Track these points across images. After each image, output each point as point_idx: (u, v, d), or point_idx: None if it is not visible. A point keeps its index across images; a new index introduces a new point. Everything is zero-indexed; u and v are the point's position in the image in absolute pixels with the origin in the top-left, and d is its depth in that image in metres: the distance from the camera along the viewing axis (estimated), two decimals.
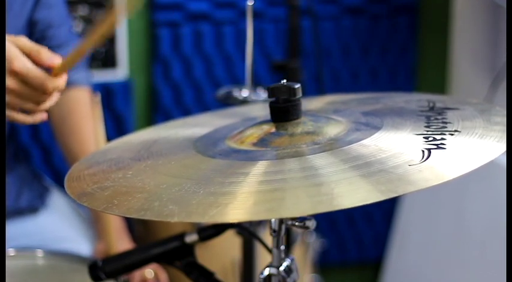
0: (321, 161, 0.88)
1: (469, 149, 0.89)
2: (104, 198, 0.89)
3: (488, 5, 2.18)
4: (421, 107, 1.06)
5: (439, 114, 1.01)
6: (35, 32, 1.60)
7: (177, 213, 0.82)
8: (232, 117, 1.14)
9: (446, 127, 0.95)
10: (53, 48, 1.62)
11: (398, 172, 0.83)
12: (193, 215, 0.81)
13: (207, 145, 1.00)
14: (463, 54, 2.33)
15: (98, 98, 1.43)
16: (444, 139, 0.91)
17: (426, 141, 0.91)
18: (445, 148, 0.89)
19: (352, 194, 0.80)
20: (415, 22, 2.33)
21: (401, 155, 0.87)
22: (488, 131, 0.94)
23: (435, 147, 0.89)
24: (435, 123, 0.97)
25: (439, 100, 1.08)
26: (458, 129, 0.95)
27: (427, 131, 0.94)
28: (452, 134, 0.93)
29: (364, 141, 0.92)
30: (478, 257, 2.08)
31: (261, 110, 1.17)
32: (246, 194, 0.83)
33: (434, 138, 0.92)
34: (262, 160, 0.90)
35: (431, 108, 1.04)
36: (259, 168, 0.88)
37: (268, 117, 1.00)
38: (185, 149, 1.01)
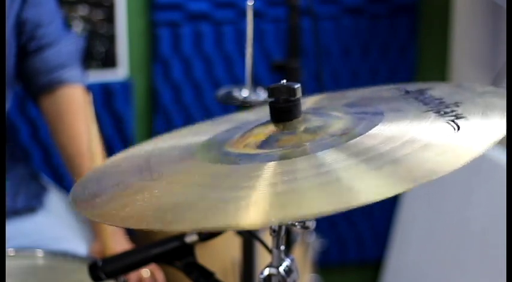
0: (333, 156, 0.86)
1: (486, 116, 0.85)
2: (137, 217, 0.86)
3: (488, 5, 2.18)
4: (397, 93, 1.02)
5: (421, 94, 0.98)
6: (23, 31, 1.56)
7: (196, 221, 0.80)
8: (226, 124, 1.11)
9: (444, 101, 0.92)
10: (43, 47, 1.61)
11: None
12: (209, 220, 0.80)
13: (211, 153, 0.99)
14: (463, 54, 2.33)
15: (90, 97, 1.42)
16: (455, 110, 0.88)
17: (440, 115, 0.86)
18: (465, 117, 0.85)
19: (375, 187, 0.77)
20: (415, 22, 2.33)
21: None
22: (479, 97, 0.91)
23: (454, 117, 0.85)
24: (428, 100, 0.94)
25: (407, 86, 1.04)
26: (458, 101, 0.91)
27: (430, 108, 0.91)
28: (458, 106, 0.90)
29: (375, 130, 0.89)
30: (478, 256, 2.07)
31: (254, 114, 1.17)
32: (261, 197, 0.81)
33: (445, 111, 0.88)
34: (271, 161, 0.88)
35: (408, 92, 1.01)
36: (270, 169, 0.86)
37: (264, 120, 0.99)
38: (187, 160, 0.98)
